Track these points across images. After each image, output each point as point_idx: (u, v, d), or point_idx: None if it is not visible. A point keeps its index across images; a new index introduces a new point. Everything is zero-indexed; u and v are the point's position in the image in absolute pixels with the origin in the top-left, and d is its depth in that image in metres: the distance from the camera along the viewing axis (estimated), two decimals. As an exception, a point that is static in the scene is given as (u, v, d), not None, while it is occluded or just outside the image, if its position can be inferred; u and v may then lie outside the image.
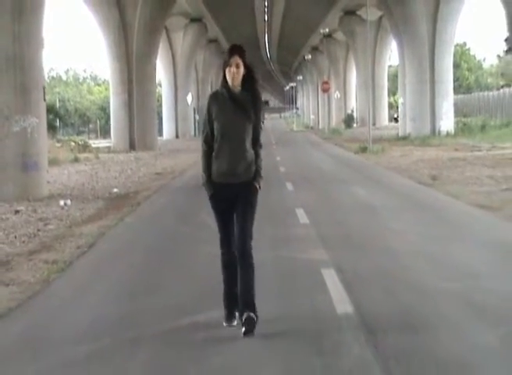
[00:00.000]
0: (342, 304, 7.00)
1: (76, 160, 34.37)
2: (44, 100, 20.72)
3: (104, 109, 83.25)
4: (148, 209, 16.54)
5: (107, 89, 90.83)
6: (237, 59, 6.12)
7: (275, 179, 21.50)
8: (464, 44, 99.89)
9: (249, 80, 6.19)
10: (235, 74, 6.10)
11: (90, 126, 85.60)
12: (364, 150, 35.19)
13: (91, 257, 10.64)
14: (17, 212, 16.16)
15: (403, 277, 8.22)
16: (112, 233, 12.87)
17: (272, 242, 10.52)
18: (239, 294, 6.20)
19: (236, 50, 6.19)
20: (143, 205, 17.01)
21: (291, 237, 11.34)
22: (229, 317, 6.31)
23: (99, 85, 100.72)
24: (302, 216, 13.68)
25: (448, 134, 42.42)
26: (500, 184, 17.81)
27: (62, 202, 17.57)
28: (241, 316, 6.14)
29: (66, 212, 16.00)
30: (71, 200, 17.96)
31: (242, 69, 6.12)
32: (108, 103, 78.22)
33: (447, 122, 43.87)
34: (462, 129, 44.96)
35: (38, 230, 13.37)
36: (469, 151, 30.80)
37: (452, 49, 45.13)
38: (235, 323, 6.26)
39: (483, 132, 42.20)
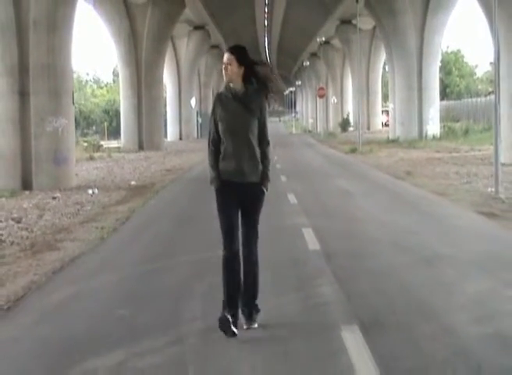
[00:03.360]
0: (313, 245, 10.43)
1: (92, 158, 36.88)
2: (73, 103, 23.82)
3: (108, 112, 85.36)
4: (167, 195, 19.73)
5: (109, 92, 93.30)
6: (227, 56, 6.07)
7: (272, 173, 24.38)
8: (458, 51, 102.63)
9: (249, 77, 6.12)
10: (226, 71, 6.06)
11: (94, 127, 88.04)
12: (353, 151, 38.08)
13: (130, 225, 13.92)
14: (54, 198, 19.04)
15: (358, 233, 11.65)
16: (142, 210, 16.13)
17: (267, 214, 13.32)
18: (242, 302, 6.23)
19: (229, 48, 6.18)
20: (161, 192, 20.16)
21: (283, 211, 14.64)
22: (233, 315, 6.13)
23: (101, 88, 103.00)
24: (292, 198, 16.96)
25: (434, 138, 44.67)
26: (462, 178, 20.89)
27: (90, 191, 20.35)
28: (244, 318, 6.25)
29: (96, 198, 18.86)
30: (97, 189, 20.79)
31: (234, 67, 6.04)
32: (111, 106, 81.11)
33: (433, 126, 46.21)
34: (447, 133, 47.44)
35: (78, 210, 16.33)
36: (448, 152, 33.51)
37: (438, 58, 47.55)
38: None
39: (466, 136, 44.88)
